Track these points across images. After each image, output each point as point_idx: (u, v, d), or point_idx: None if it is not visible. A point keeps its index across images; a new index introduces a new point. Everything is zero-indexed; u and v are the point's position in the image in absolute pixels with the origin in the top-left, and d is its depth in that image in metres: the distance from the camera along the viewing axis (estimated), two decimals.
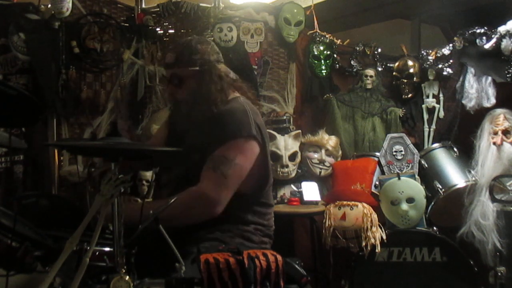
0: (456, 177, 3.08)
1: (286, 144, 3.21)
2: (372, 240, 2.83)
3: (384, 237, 2.87)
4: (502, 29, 3.12)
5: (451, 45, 3.40)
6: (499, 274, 2.73)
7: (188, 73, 2.00)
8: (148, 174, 2.92)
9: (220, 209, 1.88)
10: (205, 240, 1.91)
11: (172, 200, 1.66)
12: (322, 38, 3.54)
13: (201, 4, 3.33)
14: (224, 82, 2.05)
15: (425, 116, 3.46)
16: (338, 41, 3.60)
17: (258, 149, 1.99)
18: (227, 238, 1.95)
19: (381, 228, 2.90)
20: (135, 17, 3.21)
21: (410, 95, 3.50)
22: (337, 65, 3.58)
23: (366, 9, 4.97)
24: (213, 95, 1.99)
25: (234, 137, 1.92)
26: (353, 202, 2.95)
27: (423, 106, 3.47)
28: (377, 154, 3.30)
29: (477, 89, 3.23)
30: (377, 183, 3.14)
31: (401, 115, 3.44)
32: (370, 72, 3.51)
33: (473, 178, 2.99)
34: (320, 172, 3.33)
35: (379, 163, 3.26)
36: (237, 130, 1.93)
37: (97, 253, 1.55)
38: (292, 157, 3.22)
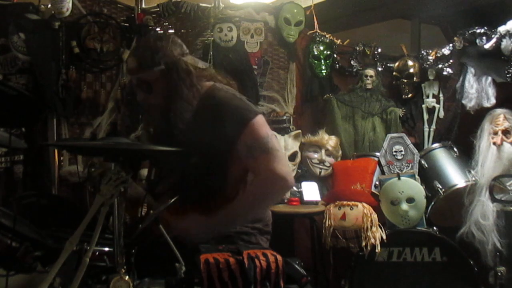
0: (456, 177, 3.08)
1: (286, 144, 3.22)
2: (372, 240, 2.83)
3: (384, 237, 2.87)
4: (502, 29, 3.13)
5: (451, 45, 3.40)
6: (499, 274, 2.74)
7: (155, 75, 1.86)
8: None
9: (293, 179, 1.87)
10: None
11: (172, 201, 1.66)
12: (322, 38, 3.54)
13: (201, 4, 3.33)
14: (193, 76, 1.91)
15: (425, 116, 3.46)
16: (338, 41, 3.60)
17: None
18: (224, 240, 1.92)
19: (381, 228, 2.90)
20: (135, 17, 3.22)
21: (410, 95, 3.50)
22: (337, 65, 3.59)
23: (366, 9, 4.97)
24: (184, 92, 1.88)
25: (248, 120, 1.82)
26: (353, 202, 2.95)
27: (423, 106, 3.47)
28: (377, 154, 3.30)
29: (477, 89, 3.23)
30: (377, 183, 3.14)
31: (401, 115, 3.44)
32: (370, 72, 3.51)
33: (473, 178, 3.00)
34: (320, 172, 3.33)
35: (379, 163, 3.26)
36: (246, 113, 1.84)
37: (97, 253, 1.55)
38: (292, 157, 3.22)
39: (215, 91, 1.93)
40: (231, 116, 1.82)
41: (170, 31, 3.26)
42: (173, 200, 1.67)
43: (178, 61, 1.89)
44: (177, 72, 1.87)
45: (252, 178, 1.88)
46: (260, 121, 1.85)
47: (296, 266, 1.64)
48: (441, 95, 3.45)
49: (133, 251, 1.51)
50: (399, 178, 3.02)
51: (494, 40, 3.16)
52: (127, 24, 3.18)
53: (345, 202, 2.97)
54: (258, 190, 1.83)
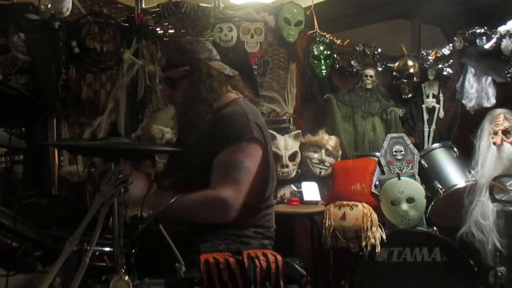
0: (456, 177, 3.08)
1: (286, 144, 3.22)
2: (372, 240, 2.83)
3: (384, 237, 2.87)
4: (502, 29, 3.12)
5: (451, 45, 3.40)
6: (499, 274, 2.74)
7: (180, 74, 2.00)
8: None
9: (235, 215, 1.87)
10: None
11: (173, 200, 1.66)
12: (322, 38, 3.54)
13: (201, 4, 3.33)
14: (214, 80, 2.01)
15: (425, 116, 3.46)
16: (338, 41, 3.60)
17: (261, 152, 1.96)
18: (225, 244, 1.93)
19: (381, 228, 2.90)
20: (135, 17, 3.21)
21: (410, 95, 3.50)
22: (337, 65, 3.58)
23: (366, 9, 4.97)
24: (203, 94, 1.97)
25: (237, 141, 1.89)
26: (353, 202, 2.95)
27: (423, 106, 3.47)
28: (377, 154, 3.30)
29: (477, 89, 3.23)
30: (377, 183, 3.14)
31: (401, 115, 3.44)
32: (370, 72, 3.51)
33: (473, 178, 3.00)
34: (320, 172, 3.33)
35: (379, 163, 3.26)
36: (240, 134, 1.90)
37: (97, 253, 1.55)
38: (292, 157, 3.22)
39: (235, 103, 2.02)
40: (227, 129, 1.90)
41: (170, 31, 3.26)
42: (173, 200, 1.67)
43: (202, 64, 2.01)
44: (199, 73, 1.98)
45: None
46: (247, 148, 1.90)
47: (296, 266, 1.64)
48: (441, 95, 3.45)
49: (133, 251, 1.51)
50: (399, 178, 3.02)
51: (494, 40, 3.15)
52: (127, 24, 3.18)
53: (345, 202, 2.97)
54: (200, 199, 1.85)
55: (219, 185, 1.85)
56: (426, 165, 3.19)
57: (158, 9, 3.27)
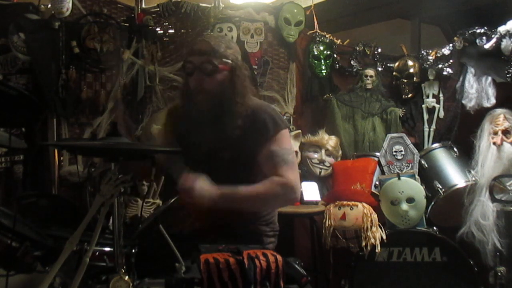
0: (456, 177, 3.08)
1: None
2: (372, 240, 2.83)
3: (384, 237, 2.87)
4: (502, 29, 3.13)
5: (451, 45, 3.40)
6: (499, 274, 2.74)
7: (223, 64, 2.01)
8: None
9: (299, 193, 2.08)
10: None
11: (172, 200, 1.66)
12: (322, 38, 3.54)
13: (201, 4, 3.33)
14: (249, 81, 2.13)
15: (425, 116, 3.46)
16: (338, 41, 3.60)
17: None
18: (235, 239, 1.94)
19: (381, 228, 2.90)
20: (135, 17, 3.21)
21: (410, 95, 3.50)
22: (337, 65, 3.59)
23: (366, 9, 4.96)
24: (244, 90, 2.05)
25: (280, 129, 2.00)
26: (353, 202, 2.95)
27: (423, 106, 3.47)
28: (377, 154, 3.30)
29: (477, 89, 3.23)
30: (377, 183, 3.14)
31: (401, 115, 3.44)
32: (370, 72, 3.51)
33: (473, 178, 3.00)
34: (320, 172, 3.33)
35: (379, 163, 3.26)
36: (279, 123, 2.01)
37: (97, 253, 1.55)
38: None
39: (251, 99, 2.10)
40: (264, 121, 1.99)
41: (170, 31, 3.26)
42: (173, 200, 1.67)
43: (242, 64, 2.11)
44: (240, 71, 2.06)
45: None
46: (287, 134, 2.05)
47: (296, 266, 1.64)
48: (441, 95, 3.45)
49: (133, 251, 1.51)
50: (399, 178, 3.02)
51: (494, 40, 3.15)
52: (127, 24, 3.18)
53: (345, 202, 2.97)
54: (270, 188, 1.94)
55: (283, 172, 1.95)
56: (426, 165, 3.20)
57: (158, 9, 3.26)
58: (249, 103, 2.04)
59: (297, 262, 1.68)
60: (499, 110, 3.03)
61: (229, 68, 2.02)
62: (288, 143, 2.03)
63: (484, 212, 2.86)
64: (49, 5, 2.93)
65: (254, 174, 1.98)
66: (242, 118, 2.00)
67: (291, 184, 1.95)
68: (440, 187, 3.05)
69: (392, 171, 3.19)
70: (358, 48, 3.60)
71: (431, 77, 3.45)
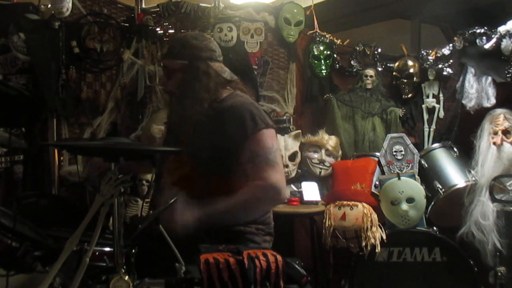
0: (456, 177, 3.08)
1: (286, 144, 3.22)
2: (372, 240, 2.83)
3: (384, 237, 2.87)
4: (502, 29, 3.12)
5: (451, 45, 3.40)
6: (499, 274, 2.74)
7: (177, 66, 1.99)
8: (148, 174, 2.92)
9: (285, 194, 2.00)
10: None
11: (172, 201, 1.66)
12: (322, 38, 3.54)
13: (201, 4, 3.33)
14: (211, 81, 2.00)
15: (425, 116, 3.46)
16: (338, 41, 3.60)
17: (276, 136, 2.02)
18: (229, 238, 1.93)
19: (381, 228, 2.90)
20: (135, 17, 3.21)
21: (410, 95, 3.50)
22: (337, 65, 3.59)
23: (366, 9, 4.97)
24: (197, 92, 1.96)
25: (260, 128, 1.92)
26: (353, 202, 2.95)
27: (423, 106, 3.47)
28: (377, 154, 3.30)
29: (477, 89, 3.23)
30: (377, 183, 3.14)
31: (401, 115, 3.44)
32: (370, 72, 3.51)
33: (473, 178, 3.00)
34: (320, 172, 3.33)
35: (379, 163, 3.26)
36: (259, 122, 1.92)
37: (97, 253, 1.55)
38: (292, 157, 3.22)
39: (234, 95, 2.02)
40: (244, 120, 1.90)
41: (170, 31, 3.26)
42: (172, 200, 1.67)
43: (202, 62, 1.99)
44: (196, 70, 1.97)
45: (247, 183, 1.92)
46: (269, 133, 1.94)
47: (296, 266, 1.64)
48: (441, 95, 3.45)
49: (133, 251, 1.51)
50: (399, 178, 3.02)
51: (494, 40, 3.15)
52: (127, 24, 3.18)
53: (345, 202, 2.97)
54: (250, 194, 1.88)
55: (264, 173, 1.88)
56: (426, 165, 3.19)
57: (158, 9, 3.26)
58: (231, 100, 1.97)
59: (297, 262, 1.67)
60: (499, 110, 3.03)
61: (184, 68, 1.98)
62: (271, 142, 1.93)
63: (484, 212, 2.86)
64: (49, 5, 2.93)
65: (238, 175, 1.92)
66: (213, 116, 1.94)
67: (272, 185, 1.88)
68: (440, 187, 3.05)
69: (392, 171, 3.19)
70: (358, 48, 3.60)
71: (431, 77, 3.45)
